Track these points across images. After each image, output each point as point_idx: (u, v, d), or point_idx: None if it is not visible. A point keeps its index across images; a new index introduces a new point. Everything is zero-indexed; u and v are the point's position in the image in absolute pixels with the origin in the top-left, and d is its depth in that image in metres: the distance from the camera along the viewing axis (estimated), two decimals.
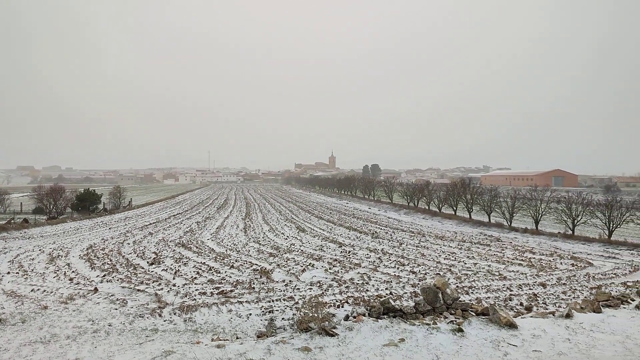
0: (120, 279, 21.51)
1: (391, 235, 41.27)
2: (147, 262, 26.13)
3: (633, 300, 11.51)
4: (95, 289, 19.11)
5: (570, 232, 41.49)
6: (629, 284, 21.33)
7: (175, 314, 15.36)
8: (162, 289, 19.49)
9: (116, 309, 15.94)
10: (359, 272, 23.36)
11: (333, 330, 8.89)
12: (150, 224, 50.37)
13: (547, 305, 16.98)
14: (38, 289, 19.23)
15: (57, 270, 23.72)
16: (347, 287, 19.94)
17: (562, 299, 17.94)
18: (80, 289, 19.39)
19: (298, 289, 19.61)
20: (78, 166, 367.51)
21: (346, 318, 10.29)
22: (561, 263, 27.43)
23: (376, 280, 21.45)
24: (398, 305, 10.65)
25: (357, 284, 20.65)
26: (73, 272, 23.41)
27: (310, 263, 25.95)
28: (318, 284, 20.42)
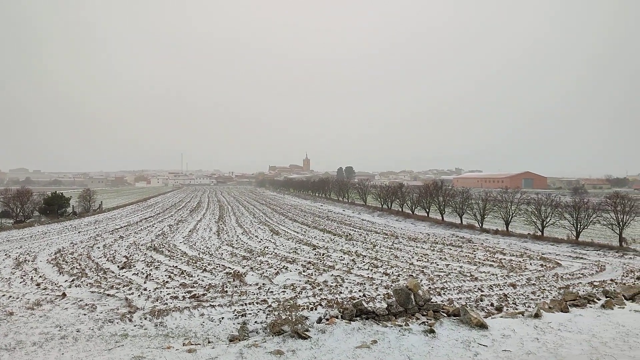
0: (90, 283, 21.07)
1: (365, 237, 41.47)
2: (118, 266, 25.67)
3: (599, 299, 11.77)
4: (64, 294, 18.67)
5: (539, 233, 42.40)
6: (595, 283, 21.88)
7: (146, 318, 15.11)
8: (132, 293, 19.15)
9: (85, 315, 15.59)
10: (332, 275, 23.38)
11: (306, 333, 8.87)
12: (121, 227, 49.52)
13: (517, 305, 17.26)
14: (3, 295, 18.69)
15: (24, 276, 23.12)
16: (320, 289, 19.92)
17: (532, 299, 18.26)
18: (47, 294, 18.91)
19: (271, 292, 19.52)
20: (45, 168, 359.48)
21: (319, 321, 10.27)
22: (531, 264, 27.94)
23: (350, 283, 21.50)
24: (371, 307, 10.69)
25: (331, 286, 20.66)
26: (40, 277, 22.84)
27: (284, 266, 25.86)
28: (292, 287, 20.36)
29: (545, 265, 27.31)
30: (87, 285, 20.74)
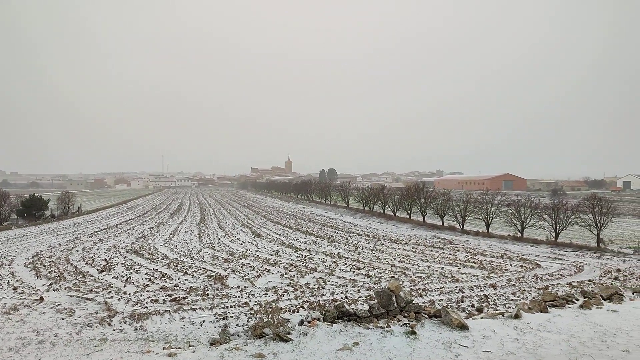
0: (68, 287, 20.75)
1: (347, 239, 41.55)
2: (97, 270, 25.33)
3: (577, 299, 11.92)
4: (41, 299, 18.35)
5: (519, 234, 42.91)
6: (574, 284, 22.20)
7: (125, 322, 14.92)
8: (112, 297, 18.91)
9: (63, 319, 15.34)
10: (314, 277, 23.36)
11: (287, 335, 8.82)
12: (101, 230, 48.92)
13: (497, 306, 17.43)
14: None
15: (0, 280, 22.69)
16: (302, 292, 19.88)
17: (512, 300, 18.46)
18: (24, 298, 18.57)
19: (253, 294, 19.42)
20: (23, 170, 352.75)
21: (301, 323, 10.23)
22: (511, 265, 28.25)
23: (332, 285, 21.50)
24: (353, 309, 10.67)
25: (313, 288, 20.63)
26: (17, 281, 22.45)
27: (266, 268, 25.77)
28: (273, 290, 20.28)
29: (525, 266, 27.63)
30: (65, 289, 20.42)
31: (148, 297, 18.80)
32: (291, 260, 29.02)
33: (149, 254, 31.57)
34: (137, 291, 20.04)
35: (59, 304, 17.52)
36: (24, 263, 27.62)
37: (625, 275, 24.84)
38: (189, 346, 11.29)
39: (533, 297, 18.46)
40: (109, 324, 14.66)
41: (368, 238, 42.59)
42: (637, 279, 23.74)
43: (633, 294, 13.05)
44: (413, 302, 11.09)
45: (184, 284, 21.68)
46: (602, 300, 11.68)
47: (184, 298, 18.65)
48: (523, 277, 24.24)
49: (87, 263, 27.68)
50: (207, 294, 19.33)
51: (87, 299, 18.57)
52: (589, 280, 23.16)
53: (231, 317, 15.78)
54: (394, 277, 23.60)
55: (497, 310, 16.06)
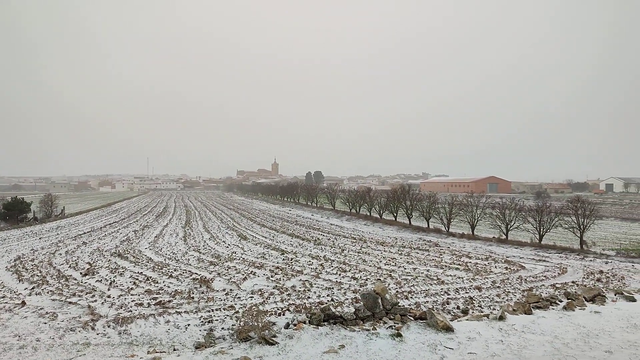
0: (51, 291, 20.47)
1: (333, 241, 41.53)
2: (81, 273, 25.03)
3: (561, 301, 12.06)
4: (23, 303, 18.07)
5: (504, 236, 43.28)
6: (557, 285, 22.42)
7: (109, 326, 14.75)
8: (95, 300, 18.68)
9: (45, 323, 15.12)
10: (301, 280, 23.32)
11: (273, 338, 8.79)
12: (85, 233, 48.36)
13: (482, 308, 17.52)
14: None
15: None
16: (288, 294, 19.83)
17: (496, 302, 18.57)
18: (6, 302, 18.27)
19: (239, 297, 19.32)
20: (6, 173, 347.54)
21: (287, 326, 10.21)
22: (496, 267, 28.45)
23: (318, 287, 21.47)
24: (339, 311, 10.67)
25: (299, 291, 20.59)
26: None
27: (252, 271, 25.67)
28: (259, 292, 20.20)
29: (509, 268, 27.85)
30: (48, 293, 20.15)
31: (132, 301, 18.61)
32: (277, 263, 28.95)
33: (134, 257, 31.28)
34: (121, 295, 19.83)
35: (41, 308, 17.27)
36: (6, 267, 27.19)
37: (608, 277, 25.16)
38: (174, 350, 11.19)
39: (517, 299, 18.60)
40: (93, 328, 14.48)
41: (354, 240, 42.65)
42: (619, 281, 24.08)
43: (615, 295, 13.20)
44: (399, 304, 11.12)
45: (169, 287, 21.51)
46: (585, 302, 11.82)
47: (169, 301, 18.48)
48: (507, 279, 24.42)
49: (70, 266, 27.35)
50: (193, 297, 19.19)
51: (70, 302, 18.32)
52: (572, 282, 23.41)
53: (216, 320, 15.68)
54: (379, 279, 23.64)
55: (482, 312, 16.14)
